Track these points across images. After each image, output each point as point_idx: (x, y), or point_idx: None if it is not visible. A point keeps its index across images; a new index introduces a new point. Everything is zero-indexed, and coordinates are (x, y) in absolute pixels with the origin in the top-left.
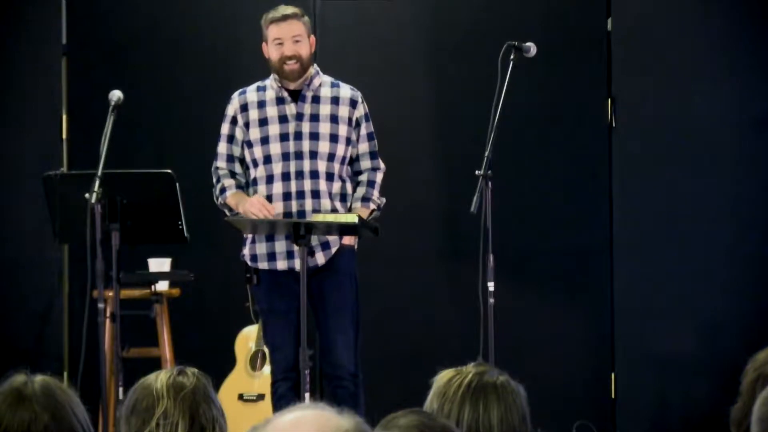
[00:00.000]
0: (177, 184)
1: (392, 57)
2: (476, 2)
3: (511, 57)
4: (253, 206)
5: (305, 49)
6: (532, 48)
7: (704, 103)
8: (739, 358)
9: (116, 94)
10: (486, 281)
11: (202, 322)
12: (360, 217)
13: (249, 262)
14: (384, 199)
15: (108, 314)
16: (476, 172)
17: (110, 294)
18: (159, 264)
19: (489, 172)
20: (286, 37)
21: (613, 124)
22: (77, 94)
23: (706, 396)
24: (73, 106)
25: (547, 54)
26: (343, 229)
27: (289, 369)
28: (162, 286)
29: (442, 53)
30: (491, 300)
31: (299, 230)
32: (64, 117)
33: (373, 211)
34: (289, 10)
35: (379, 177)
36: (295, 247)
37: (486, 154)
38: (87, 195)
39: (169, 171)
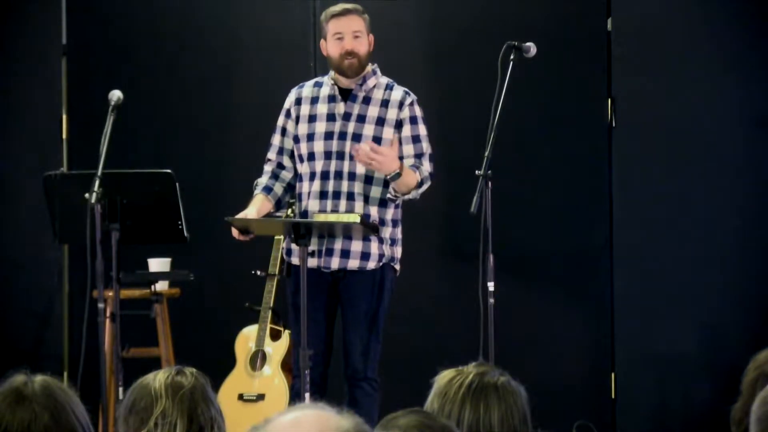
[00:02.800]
0: (177, 184)
1: (392, 57)
2: (476, 2)
3: (511, 57)
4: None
5: (363, 46)
6: (532, 48)
7: (704, 103)
8: (739, 358)
9: (116, 94)
10: (486, 281)
11: (202, 322)
12: (362, 217)
13: (284, 256)
14: (429, 183)
15: (108, 314)
16: (476, 172)
17: (110, 294)
18: (159, 264)
19: (489, 172)
20: (347, 31)
21: (613, 124)
22: (77, 94)
23: (706, 396)
24: (73, 106)
25: (547, 54)
26: (344, 229)
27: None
28: (162, 286)
29: (442, 53)
30: (491, 300)
31: (299, 230)
32: (64, 117)
33: (420, 182)
34: (350, 5)
35: (426, 166)
36: (325, 246)
37: (486, 154)
38: (87, 195)
39: (169, 171)
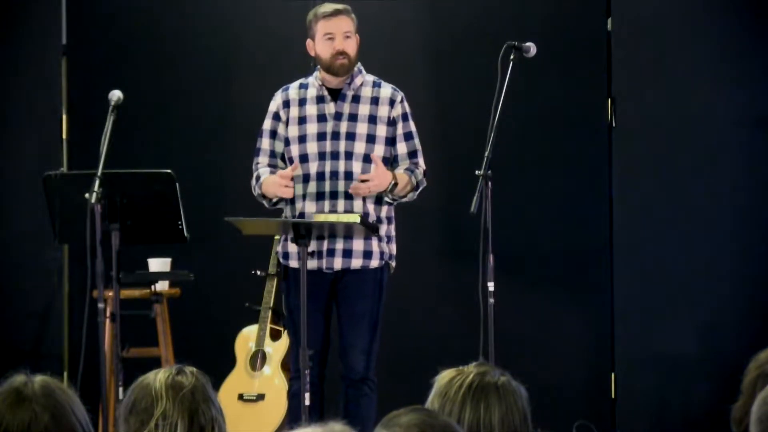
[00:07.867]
0: (177, 184)
1: (392, 57)
2: (476, 2)
3: (511, 57)
4: (274, 187)
5: (353, 46)
6: (532, 48)
7: (704, 103)
8: (739, 358)
9: (116, 94)
10: (486, 281)
11: (202, 322)
12: (362, 217)
13: (281, 260)
14: (425, 183)
15: (108, 314)
16: (476, 172)
17: (110, 294)
18: (159, 264)
19: (489, 172)
20: (338, 32)
21: (613, 124)
22: (77, 94)
23: (706, 396)
24: (73, 106)
25: (547, 54)
26: (344, 230)
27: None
28: (162, 286)
29: (442, 53)
30: (491, 300)
31: (299, 230)
32: (64, 117)
33: (412, 187)
34: (340, 5)
35: (421, 163)
36: (325, 246)
37: (486, 154)
38: (87, 195)
39: (169, 171)
